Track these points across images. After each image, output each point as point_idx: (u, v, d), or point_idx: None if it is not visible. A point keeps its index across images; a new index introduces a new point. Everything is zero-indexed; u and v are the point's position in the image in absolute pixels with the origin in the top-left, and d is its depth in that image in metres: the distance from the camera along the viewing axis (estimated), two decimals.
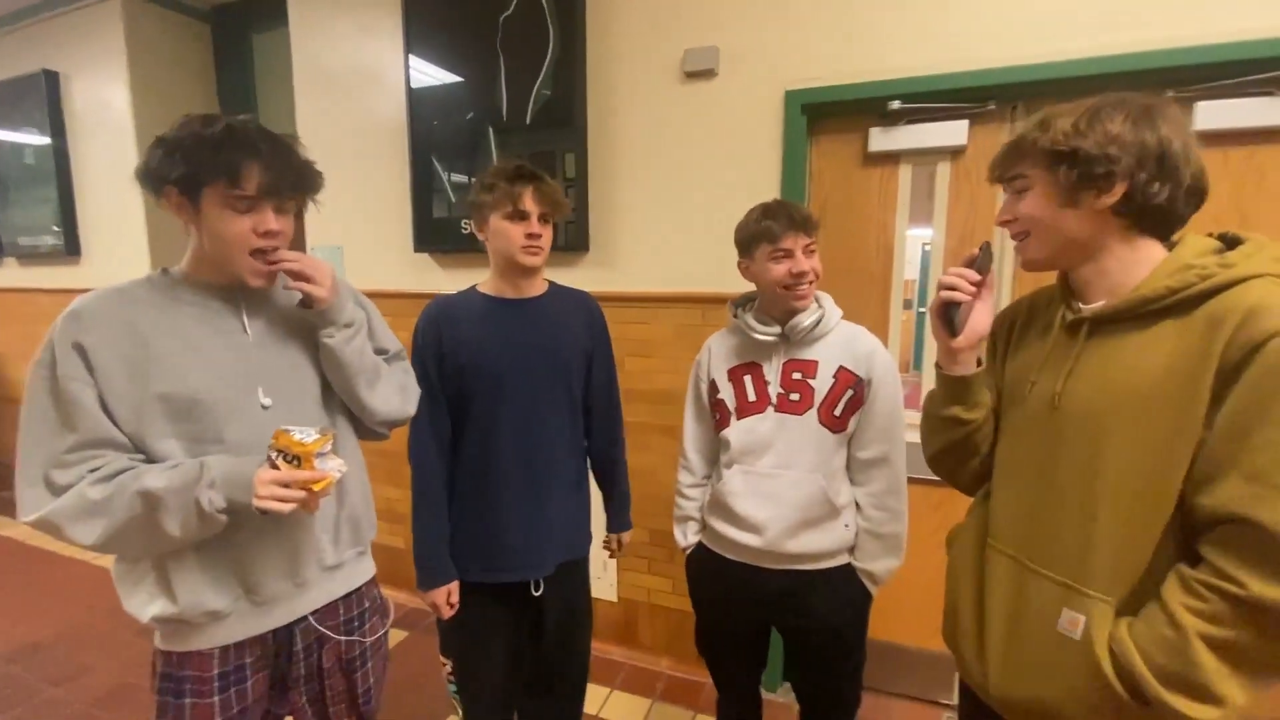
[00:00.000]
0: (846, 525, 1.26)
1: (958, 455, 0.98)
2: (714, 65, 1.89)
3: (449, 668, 1.42)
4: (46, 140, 3.14)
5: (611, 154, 2.08)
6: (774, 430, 1.25)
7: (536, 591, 1.34)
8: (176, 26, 3.02)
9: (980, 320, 0.91)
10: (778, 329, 1.25)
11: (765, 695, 1.59)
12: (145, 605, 0.93)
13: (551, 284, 1.41)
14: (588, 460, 1.49)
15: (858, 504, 1.28)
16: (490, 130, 2.18)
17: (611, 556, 1.57)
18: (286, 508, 0.87)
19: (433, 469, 1.30)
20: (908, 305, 1.94)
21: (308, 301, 0.98)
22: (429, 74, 2.26)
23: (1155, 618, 0.72)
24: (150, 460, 0.90)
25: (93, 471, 0.86)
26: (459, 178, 2.29)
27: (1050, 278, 0.92)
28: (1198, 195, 0.78)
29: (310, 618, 1.05)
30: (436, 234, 2.34)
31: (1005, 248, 1.76)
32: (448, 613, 1.31)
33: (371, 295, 1.20)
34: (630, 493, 1.57)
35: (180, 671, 0.96)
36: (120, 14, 2.85)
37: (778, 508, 1.23)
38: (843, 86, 1.77)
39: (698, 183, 1.98)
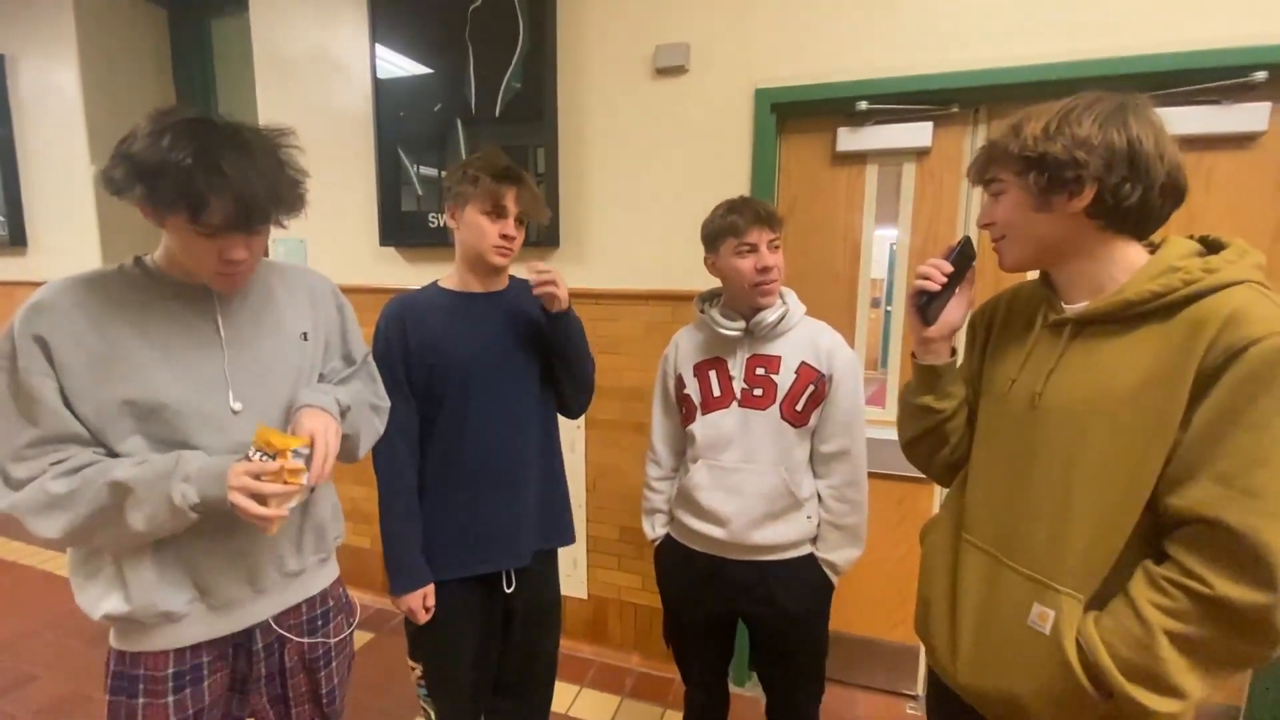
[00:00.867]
0: (809, 517, 1.28)
1: (930, 444, 1.00)
2: (685, 62, 1.89)
3: (418, 671, 1.40)
4: None
5: (582, 149, 2.07)
6: (738, 425, 1.26)
7: (509, 588, 1.33)
8: (130, 9, 2.90)
9: (954, 313, 0.93)
10: (742, 324, 1.26)
11: (733, 689, 1.60)
12: (98, 600, 0.90)
13: (513, 278, 1.39)
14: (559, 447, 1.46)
15: (819, 496, 1.30)
16: (459, 123, 2.15)
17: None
18: (254, 507, 0.83)
19: (401, 471, 1.28)
20: (875, 304, 1.97)
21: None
22: (396, 64, 2.22)
23: (1122, 613, 0.73)
24: (113, 456, 0.87)
25: (55, 464, 0.83)
26: (427, 170, 2.25)
27: (1017, 276, 0.94)
28: (1175, 194, 0.77)
29: (270, 619, 1.02)
30: (403, 228, 2.30)
31: (988, 247, 1.80)
32: (424, 617, 1.28)
33: None
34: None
35: (134, 670, 0.93)
36: None
37: (742, 501, 1.25)
38: (811, 86, 1.79)
39: (668, 179, 1.98)
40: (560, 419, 1.45)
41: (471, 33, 2.08)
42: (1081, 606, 0.77)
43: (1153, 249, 0.81)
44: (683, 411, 1.34)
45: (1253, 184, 1.56)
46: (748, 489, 1.25)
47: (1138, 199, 0.76)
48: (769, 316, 1.24)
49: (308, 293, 1.07)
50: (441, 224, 2.22)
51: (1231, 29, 1.47)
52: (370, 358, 1.18)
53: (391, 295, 1.34)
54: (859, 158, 1.88)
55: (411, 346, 1.26)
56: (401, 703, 2.01)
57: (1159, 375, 0.72)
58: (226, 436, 0.91)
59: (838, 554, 1.29)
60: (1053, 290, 0.87)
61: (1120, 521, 0.75)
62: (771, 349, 1.27)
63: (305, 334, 1.04)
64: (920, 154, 1.82)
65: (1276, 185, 1.55)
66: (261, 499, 0.84)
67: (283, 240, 2.53)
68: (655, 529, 1.42)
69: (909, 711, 2.00)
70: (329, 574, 1.13)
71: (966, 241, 0.93)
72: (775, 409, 1.24)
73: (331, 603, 1.11)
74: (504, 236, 1.25)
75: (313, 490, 0.94)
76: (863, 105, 1.76)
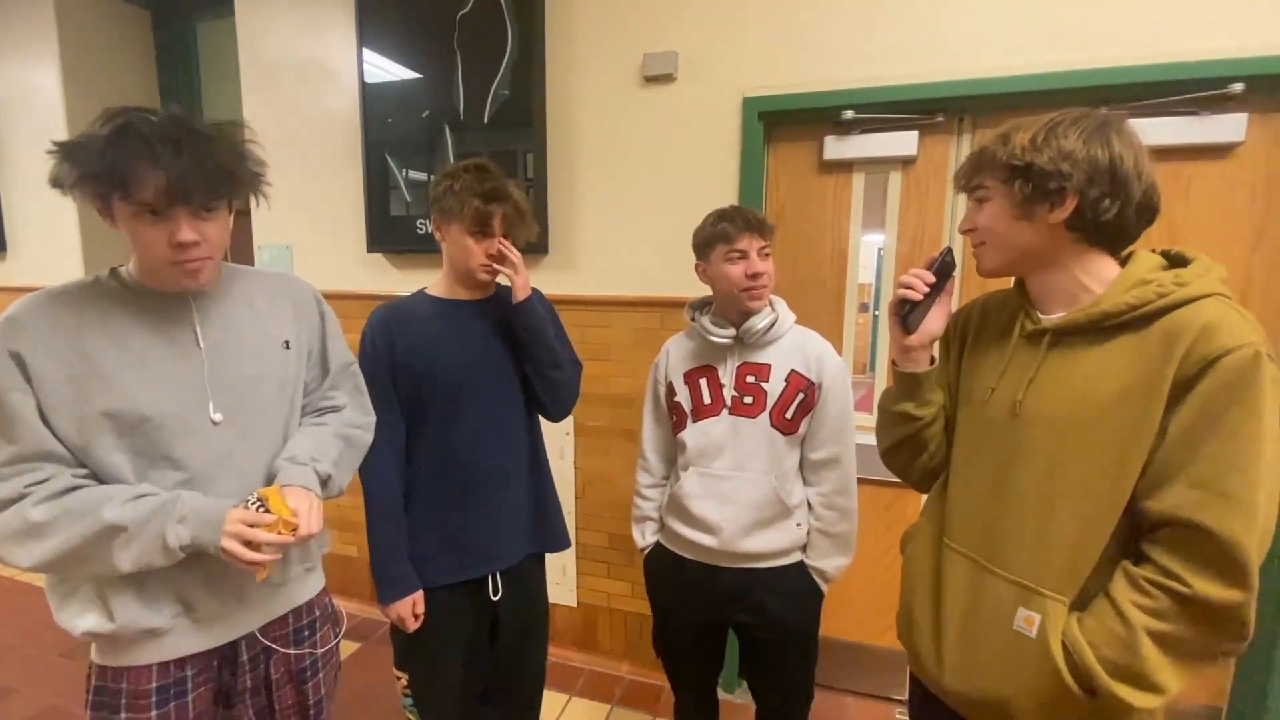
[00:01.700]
0: (799, 524, 1.28)
1: (909, 451, 1.01)
2: (673, 70, 1.90)
3: (404, 681, 1.38)
4: None
5: (571, 156, 2.07)
6: (728, 433, 1.27)
7: (495, 596, 1.32)
8: (113, 10, 2.87)
9: (934, 321, 0.95)
10: (733, 331, 1.26)
11: (723, 696, 1.60)
12: (77, 618, 0.88)
13: (500, 285, 1.39)
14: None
15: (809, 503, 1.30)
16: (447, 129, 2.15)
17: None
18: (246, 553, 0.84)
19: (388, 478, 1.27)
20: (863, 309, 1.98)
21: None
22: (384, 69, 2.21)
23: (1105, 614, 0.75)
24: (96, 475, 0.86)
25: (34, 486, 0.82)
26: (415, 175, 2.24)
27: (1003, 281, 0.95)
28: (1149, 212, 0.80)
29: (255, 631, 1.00)
30: (391, 234, 2.28)
31: (968, 253, 1.82)
32: (414, 625, 1.26)
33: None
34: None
35: (116, 685, 0.91)
36: None
37: (733, 508, 1.25)
38: (798, 95, 1.81)
39: (657, 186, 1.98)
40: (550, 425, 1.44)
41: (460, 39, 2.08)
42: (1066, 609, 0.78)
43: (1122, 263, 0.84)
44: (673, 419, 1.35)
45: (1230, 194, 1.59)
46: (738, 496, 1.25)
47: (1115, 214, 0.79)
48: (759, 323, 1.24)
49: (290, 300, 1.06)
50: (429, 230, 2.21)
51: (1210, 42, 1.50)
52: (356, 367, 1.17)
53: (379, 301, 1.33)
54: (845, 166, 1.89)
55: (398, 354, 1.26)
56: (389, 713, 1.99)
57: (1137, 384, 0.75)
58: (209, 447, 0.90)
59: (827, 562, 1.29)
60: (1027, 299, 0.89)
61: (1102, 525, 0.77)
62: (761, 356, 1.27)
63: (287, 342, 1.03)
64: (906, 162, 1.84)
65: (1253, 195, 1.58)
66: (254, 547, 0.86)
67: (267, 246, 2.51)
68: (645, 537, 1.41)
69: (898, 716, 2.01)
70: (315, 584, 1.11)
71: (948, 252, 0.95)
72: (765, 417, 1.25)
73: (318, 613, 1.10)
74: (490, 256, 1.26)
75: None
76: (848, 114, 1.78)
